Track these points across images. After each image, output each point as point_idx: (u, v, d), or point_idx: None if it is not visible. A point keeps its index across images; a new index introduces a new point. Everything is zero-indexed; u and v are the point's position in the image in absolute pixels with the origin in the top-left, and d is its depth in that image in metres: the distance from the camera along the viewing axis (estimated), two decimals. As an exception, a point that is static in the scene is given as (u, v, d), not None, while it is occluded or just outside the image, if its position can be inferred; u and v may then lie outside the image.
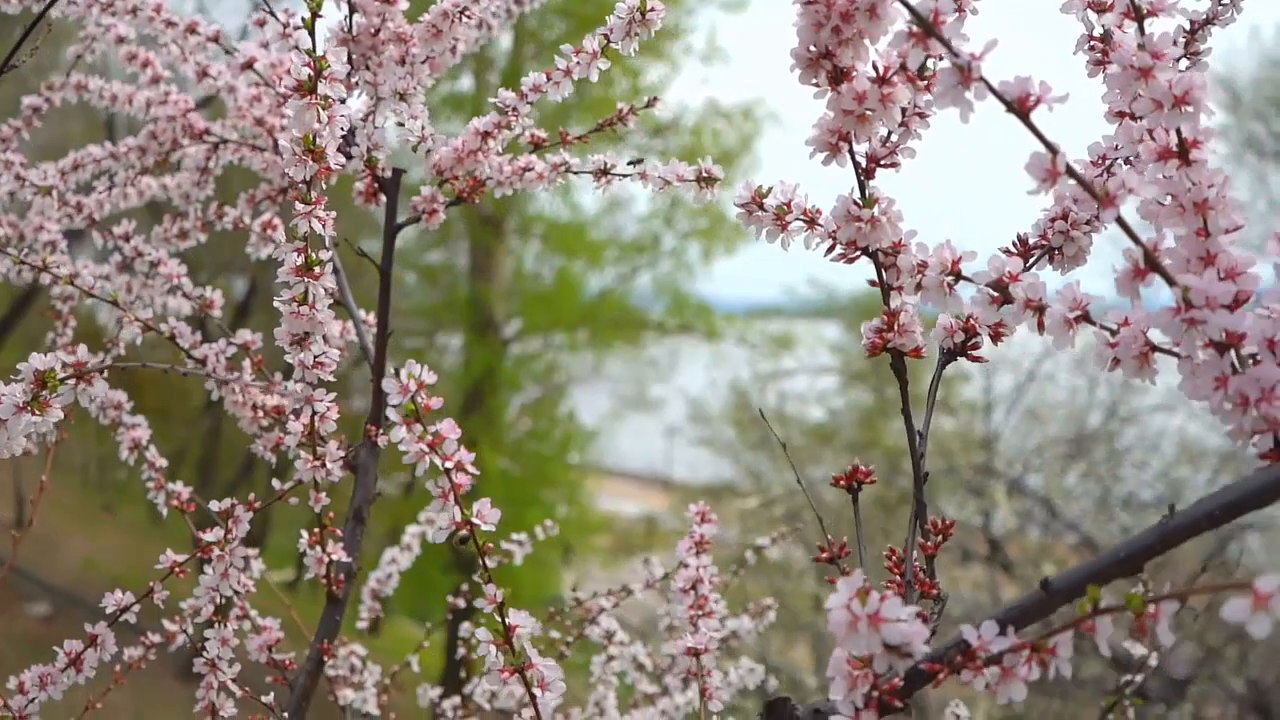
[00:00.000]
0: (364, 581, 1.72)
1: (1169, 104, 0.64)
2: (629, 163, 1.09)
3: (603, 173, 1.11)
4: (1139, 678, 1.27)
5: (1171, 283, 0.61)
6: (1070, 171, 0.60)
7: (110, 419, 1.29)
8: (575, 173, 1.13)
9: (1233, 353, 0.63)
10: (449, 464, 0.75)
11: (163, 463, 1.27)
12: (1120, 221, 0.61)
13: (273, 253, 1.23)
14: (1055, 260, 0.83)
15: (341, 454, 1.06)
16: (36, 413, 0.81)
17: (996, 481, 6.76)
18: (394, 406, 0.73)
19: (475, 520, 0.76)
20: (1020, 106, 0.61)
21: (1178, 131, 0.65)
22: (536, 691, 0.78)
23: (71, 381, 0.81)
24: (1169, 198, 0.66)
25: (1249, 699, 5.96)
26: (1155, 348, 0.66)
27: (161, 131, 1.36)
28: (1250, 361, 0.63)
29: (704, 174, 1.03)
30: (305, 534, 1.12)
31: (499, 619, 0.78)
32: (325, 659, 1.16)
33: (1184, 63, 0.85)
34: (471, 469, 0.75)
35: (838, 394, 10.72)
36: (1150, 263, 0.62)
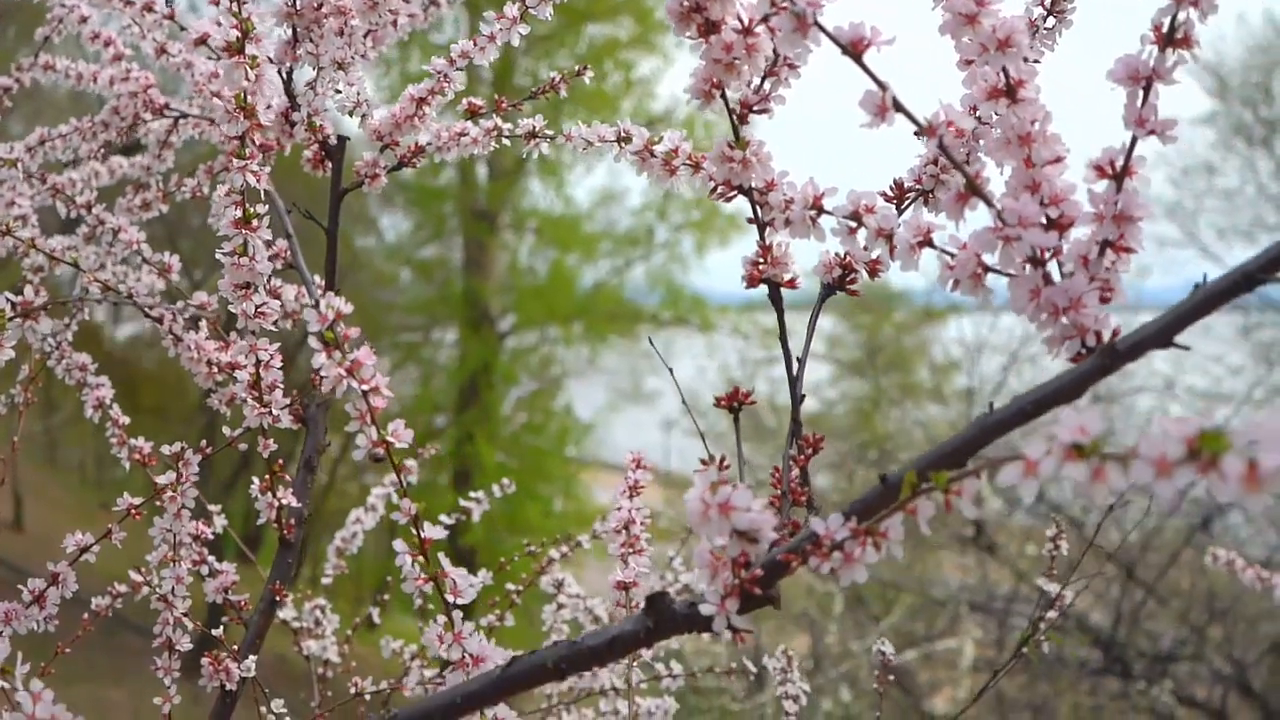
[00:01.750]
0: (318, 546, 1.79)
1: (993, 46, 0.71)
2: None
3: (531, 135, 1.19)
4: (1053, 614, 1.34)
5: (990, 204, 0.68)
6: (897, 106, 0.67)
7: (76, 380, 1.36)
8: (507, 137, 1.20)
9: (1055, 268, 0.70)
10: (366, 387, 0.81)
11: (126, 420, 1.34)
12: (944, 151, 0.68)
13: (212, 212, 1.30)
14: (929, 202, 0.90)
15: (287, 401, 1.13)
16: (-11, 351, 0.89)
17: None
18: (313, 334, 0.80)
19: (390, 439, 0.83)
20: (854, 49, 0.68)
21: (1004, 71, 0.72)
22: (449, 598, 0.85)
23: (19, 320, 0.88)
24: (1000, 132, 0.73)
25: (1233, 678, 6.03)
26: (988, 268, 0.72)
27: (123, 107, 1.43)
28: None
29: (623, 134, 1.10)
30: (256, 480, 1.20)
31: (415, 533, 0.85)
32: (278, 599, 1.23)
33: (1050, 20, 0.92)
34: (386, 392, 0.82)
35: (830, 384, 10.81)
36: (971, 188, 0.69)
